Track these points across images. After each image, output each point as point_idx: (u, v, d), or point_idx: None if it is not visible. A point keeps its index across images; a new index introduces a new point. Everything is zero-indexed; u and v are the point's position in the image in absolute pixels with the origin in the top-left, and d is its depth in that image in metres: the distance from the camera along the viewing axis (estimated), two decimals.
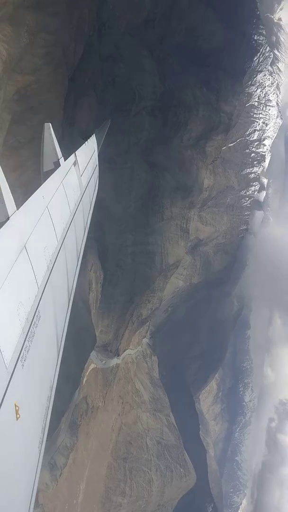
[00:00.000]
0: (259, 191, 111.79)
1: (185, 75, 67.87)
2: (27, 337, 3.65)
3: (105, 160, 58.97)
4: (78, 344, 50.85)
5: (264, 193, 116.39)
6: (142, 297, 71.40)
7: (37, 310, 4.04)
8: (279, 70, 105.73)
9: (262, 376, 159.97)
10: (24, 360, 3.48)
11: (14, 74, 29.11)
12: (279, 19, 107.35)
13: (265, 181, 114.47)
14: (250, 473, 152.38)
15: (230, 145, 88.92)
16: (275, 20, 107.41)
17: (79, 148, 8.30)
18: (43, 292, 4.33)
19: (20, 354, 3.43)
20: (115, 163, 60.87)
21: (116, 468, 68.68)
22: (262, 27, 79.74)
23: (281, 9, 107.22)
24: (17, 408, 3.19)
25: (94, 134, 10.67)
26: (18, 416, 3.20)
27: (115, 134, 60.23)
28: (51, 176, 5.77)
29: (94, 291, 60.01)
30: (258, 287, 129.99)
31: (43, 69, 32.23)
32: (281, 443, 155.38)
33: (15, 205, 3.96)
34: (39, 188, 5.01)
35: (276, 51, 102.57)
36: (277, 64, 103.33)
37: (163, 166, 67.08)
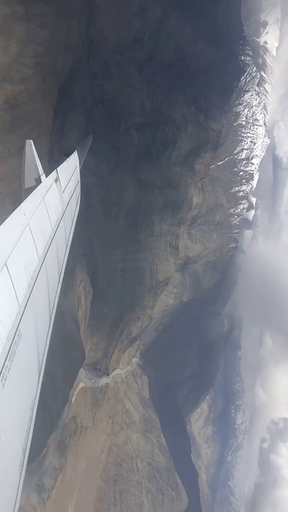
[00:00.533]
0: (248, 209, 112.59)
1: (174, 93, 68.62)
2: (8, 356, 3.53)
3: (95, 175, 59.08)
4: (67, 360, 49.80)
5: (253, 212, 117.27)
6: (132, 315, 70.57)
7: (18, 329, 3.93)
8: (266, 91, 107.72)
9: (253, 397, 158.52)
10: (5, 380, 3.36)
11: (3, 83, 29.00)
12: (265, 42, 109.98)
13: (253, 200, 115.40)
14: (243, 498, 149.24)
15: (218, 163, 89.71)
16: (261, 43, 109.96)
17: (61, 165, 8.22)
18: (24, 310, 4.23)
19: (0, 374, 3.31)
20: (104, 178, 60.75)
21: (106, 491, 66.59)
22: (248, 48, 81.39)
23: (266, 33, 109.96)
24: None
25: (76, 151, 10.57)
26: None
27: (104, 149, 60.36)
28: (32, 193, 5.64)
29: (83, 307, 59.11)
30: (248, 306, 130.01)
31: (33, 79, 32.16)
32: (273, 464, 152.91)
33: None
34: (20, 205, 4.89)
35: (262, 73, 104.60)
36: (263, 85, 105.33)
37: (152, 183, 67.18)
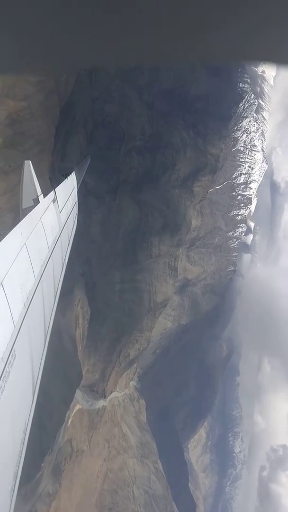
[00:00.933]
0: (246, 234, 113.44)
1: (173, 119, 70.08)
2: (2, 377, 3.50)
3: (95, 195, 59.80)
4: (64, 379, 49.36)
5: (251, 236, 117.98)
6: (130, 337, 70.19)
7: (13, 349, 3.94)
8: (264, 119, 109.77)
9: (252, 424, 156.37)
10: None
11: (6, 99, 29.81)
12: (263, 71, 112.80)
13: (252, 224, 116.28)
14: None
15: (217, 187, 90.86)
16: (259, 73, 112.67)
17: (59, 185, 8.45)
18: (19, 330, 4.26)
19: None
20: (104, 199, 61.50)
21: None
22: (247, 75, 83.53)
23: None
24: None
25: (74, 172, 10.94)
26: None
27: (104, 171, 61.32)
28: (29, 213, 5.77)
29: (81, 327, 58.94)
30: (247, 331, 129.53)
31: (35, 96, 33.07)
32: (273, 493, 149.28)
33: None
34: (18, 225, 4.97)
35: (260, 101, 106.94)
36: (261, 113, 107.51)
37: (152, 204, 67.94)
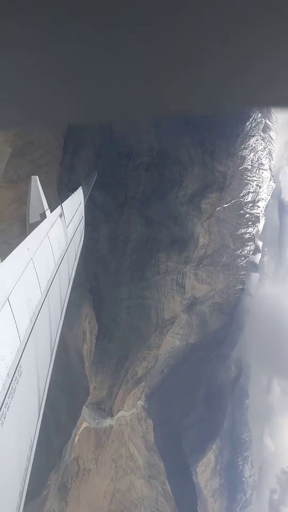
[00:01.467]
0: (254, 253, 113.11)
1: (180, 136, 70.55)
2: (8, 393, 3.50)
3: (102, 211, 60.01)
4: (71, 395, 48.78)
5: (259, 255, 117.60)
6: (137, 354, 69.53)
7: (19, 365, 3.95)
8: (271, 138, 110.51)
9: (262, 448, 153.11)
10: (4, 418, 3.31)
11: None
12: None
13: (260, 243, 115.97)
14: None
15: (224, 205, 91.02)
16: None
17: (66, 200, 8.54)
18: (25, 346, 4.28)
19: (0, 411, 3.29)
20: (112, 214, 61.66)
21: None
22: None
23: None
24: None
25: (81, 186, 11.17)
26: None
27: (112, 186, 61.69)
28: (36, 228, 5.82)
29: (88, 343, 58.46)
30: (255, 351, 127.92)
31: None
32: None
33: None
34: (24, 240, 5.07)
35: (267, 121, 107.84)
36: (268, 132, 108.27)
37: (159, 221, 68.02)
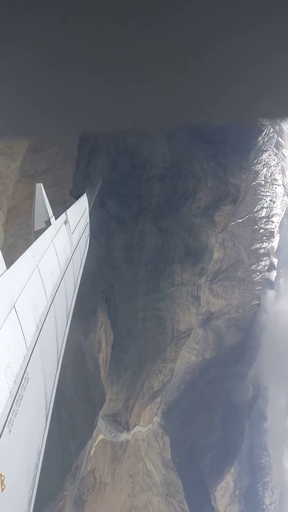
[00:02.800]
0: (269, 270, 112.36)
1: (194, 149, 71.46)
2: (15, 400, 3.56)
3: (117, 221, 60.64)
4: (87, 400, 48.41)
5: (274, 272, 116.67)
6: (153, 366, 68.87)
7: (26, 372, 4.02)
8: (284, 156, 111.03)
9: (282, 472, 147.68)
10: (12, 425, 3.36)
11: None
12: None
13: (275, 260, 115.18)
14: None
15: (239, 220, 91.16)
16: None
17: (70, 207, 8.70)
18: (32, 353, 4.36)
19: (7, 418, 3.33)
20: (126, 224, 62.23)
21: None
22: None
23: None
24: (2, 478, 3.07)
25: (85, 193, 11.33)
26: (3, 487, 3.06)
27: (127, 196, 62.49)
28: (41, 235, 5.97)
29: (104, 352, 58.19)
30: (273, 373, 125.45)
31: None
32: None
33: (4, 265, 4.08)
34: (30, 247, 5.17)
35: (280, 139, 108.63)
36: (281, 150, 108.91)
37: (173, 232, 68.39)
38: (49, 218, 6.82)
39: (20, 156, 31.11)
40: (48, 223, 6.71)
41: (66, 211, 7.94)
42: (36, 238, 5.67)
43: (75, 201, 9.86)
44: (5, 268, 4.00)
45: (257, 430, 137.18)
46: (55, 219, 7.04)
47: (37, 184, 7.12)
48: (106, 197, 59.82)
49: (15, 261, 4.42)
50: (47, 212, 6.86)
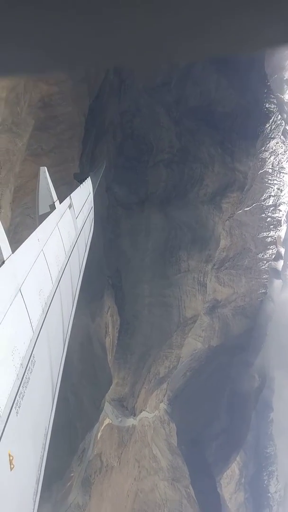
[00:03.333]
0: (276, 260, 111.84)
1: (201, 136, 71.08)
2: (22, 383, 3.61)
3: (123, 206, 60.55)
4: (94, 382, 48.81)
5: (281, 262, 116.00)
6: (160, 352, 69.03)
7: (32, 355, 4.04)
8: None
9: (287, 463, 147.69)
10: (19, 407, 3.42)
11: (39, 82, 31.07)
12: None
13: (282, 250, 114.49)
14: None
15: (246, 209, 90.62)
16: (286, 100, 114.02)
17: (74, 191, 8.66)
18: (38, 336, 4.37)
19: (14, 401, 3.38)
20: (133, 210, 62.15)
21: None
22: (273, 96, 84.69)
23: None
24: (11, 457, 3.13)
25: (89, 177, 11.32)
26: (12, 466, 3.12)
27: (133, 182, 62.34)
28: (46, 219, 5.94)
29: (111, 336, 58.42)
30: (279, 363, 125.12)
31: (66, 83, 34.32)
32: None
33: (10, 249, 4.04)
34: (34, 231, 5.15)
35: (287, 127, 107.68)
36: None
37: (180, 218, 68.17)
38: (54, 202, 6.88)
39: (27, 133, 31.10)
40: (52, 207, 6.75)
41: (70, 195, 7.97)
42: (40, 222, 5.69)
43: (79, 185, 9.80)
44: (11, 252, 4.01)
45: (263, 420, 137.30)
46: (60, 203, 7.08)
47: (41, 167, 7.16)
48: (112, 182, 59.78)
49: (21, 242, 4.46)
50: (51, 196, 6.91)
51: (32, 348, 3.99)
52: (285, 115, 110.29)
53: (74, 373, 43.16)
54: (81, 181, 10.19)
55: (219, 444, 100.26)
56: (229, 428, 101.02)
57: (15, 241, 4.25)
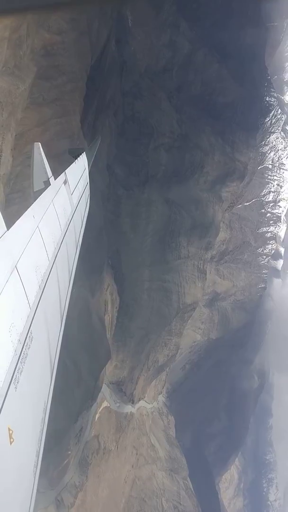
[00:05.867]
0: (276, 259, 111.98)
1: (201, 124, 71.61)
2: (20, 358, 3.69)
3: (124, 187, 60.73)
4: (92, 354, 48.47)
5: (281, 261, 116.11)
6: (159, 338, 68.48)
7: (30, 331, 4.12)
8: None
9: (287, 470, 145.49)
10: (17, 383, 3.50)
11: (41, 30, 31.40)
12: None
13: (281, 249, 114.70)
14: None
15: (246, 204, 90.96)
16: (286, 101, 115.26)
17: (69, 167, 8.67)
18: (35, 312, 4.46)
19: (13, 376, 3.45)
20: (134, 191, 62.28)
21: None
22: (273, 90, 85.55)
23: None
24: (10, 432, 3.23)
25: (84, 152, 11.30)
26: (12, 440, 3.23)
27: (134, 163, 62.64)
28: (41, 196, 6.02)
29: (110, 314, 58.00)
30: (278, 368, 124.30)
31: (69, 33, 34.60)
32: None
33: (5, 226, 4.13)
34: (29, 208, 5.23)
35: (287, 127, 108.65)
36: None
37: (180, 204, 68.25)
38: (48, 179, 6.85)
39: (29, 78, 31.29)
40: (47, 183, 6.73)
41: (65, 171, 7.93)
42: (35, 199, 5.71)
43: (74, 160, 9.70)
44: (6, 229, 4.04)
45: (262, 426, 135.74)
46: (54, 179, 7.07)
47: (35, 143, 7.07)
48: (113, 162, 60.03)
49: (17, 218, 4.50)
50: (46, 172, 6.88)
51: (29, 324, 4.04)
52: (285, 116, 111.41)
53: (73, 343, 42.84)
54: (76, 156, 10.05)
55: (218, 444, 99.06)
56: (228, 428, 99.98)
57: (9, 214, 4.31)
